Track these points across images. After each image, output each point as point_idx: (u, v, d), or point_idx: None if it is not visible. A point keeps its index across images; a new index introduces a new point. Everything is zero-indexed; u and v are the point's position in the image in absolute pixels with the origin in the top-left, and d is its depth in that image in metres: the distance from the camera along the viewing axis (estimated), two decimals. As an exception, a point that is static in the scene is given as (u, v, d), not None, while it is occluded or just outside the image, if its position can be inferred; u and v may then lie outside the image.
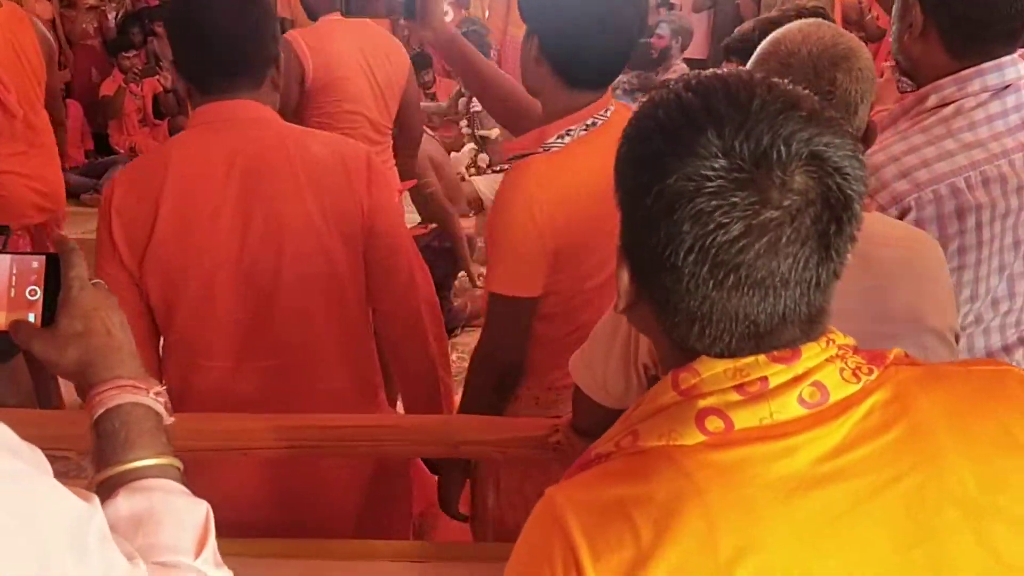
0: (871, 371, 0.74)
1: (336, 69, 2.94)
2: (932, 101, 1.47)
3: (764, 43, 1.27)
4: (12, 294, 0.89)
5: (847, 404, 0.72)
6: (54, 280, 0.90)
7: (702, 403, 0.72)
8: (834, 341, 0.75)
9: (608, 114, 1.60)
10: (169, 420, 0.87)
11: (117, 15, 6.87)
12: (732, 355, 0.73)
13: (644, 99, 0.80)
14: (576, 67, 1.56)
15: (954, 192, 1.41)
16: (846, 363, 0.74)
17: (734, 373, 0.72)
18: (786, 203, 0.69)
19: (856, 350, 0.76)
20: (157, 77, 6.61)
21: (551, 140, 1.56)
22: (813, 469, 0.70)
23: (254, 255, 1.56)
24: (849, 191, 0.70)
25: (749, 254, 0.69)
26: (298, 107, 2.93)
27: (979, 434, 0.73)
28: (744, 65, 2.07)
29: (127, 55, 6.52)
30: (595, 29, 1.52)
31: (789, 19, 1.67)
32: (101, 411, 0.84)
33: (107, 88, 6.52)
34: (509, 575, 0.77)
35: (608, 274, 1.50)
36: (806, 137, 0.69)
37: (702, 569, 0.67)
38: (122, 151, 6.49)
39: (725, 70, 0.78)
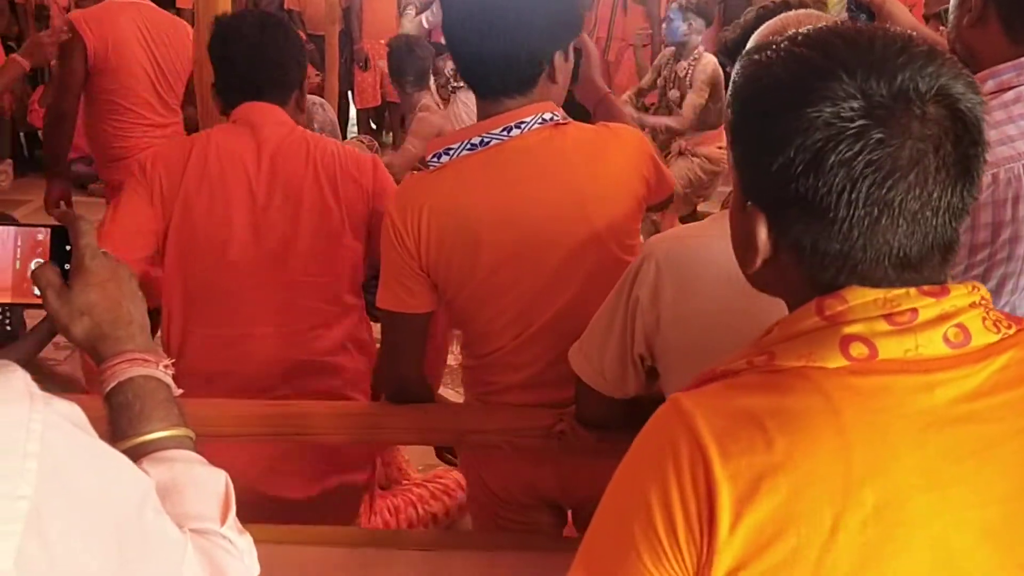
0: (1011, 326, 0.76)
1: (118, 48, 3.26)
2: (990, 86, 1.42)
3: (761, 31, 1.28)
4: (17, 266, 0.90)
5: (987, 352, 0.74)
6: (60, 252, 0.90)
7: (847, 329, 0.74)
8: (979, 288, 0.77)
9: (510, 135, 1.45)
10: (178, 392, 0.88)
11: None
12: (882, 285, 0.75)
13: (744, 63, 0.82)
14: (467, 74, 1.49)
15: (1013, 178, 1.37)
16: (988, 313, 0.76)
17: (884, 303, 0.74)
18: (929, 132, 0.71)
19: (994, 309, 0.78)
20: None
21: (429, 157, 1.50)
22: (949, 408, 0.72)
23: (271, 224, 1.87)
24: (977, 115, 0.73)
25: (901, 187, 0.71)
26: (85, 84, 3.29)
27: None
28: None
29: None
30: (475, 34, 1.42)
31: (779, 11, 1.68)
32: (114, 383, 0.85)
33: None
34: (622, 474, 0.78)
35: (509, 300, 1.50)
36: (932, 71, 0.72)
37: (831, 482, 0.70)
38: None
39: (824, 24, 0.81)
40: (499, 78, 1.45)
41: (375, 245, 1.79)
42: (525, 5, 1.42)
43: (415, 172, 1.53)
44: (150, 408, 0.84)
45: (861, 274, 0.75)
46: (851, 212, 0.72)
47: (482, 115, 1.49)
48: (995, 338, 0.75)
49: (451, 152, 1.47)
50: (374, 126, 7.93)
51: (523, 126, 1.45)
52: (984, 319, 0.75)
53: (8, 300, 0.90)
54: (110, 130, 3.41)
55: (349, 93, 7.32)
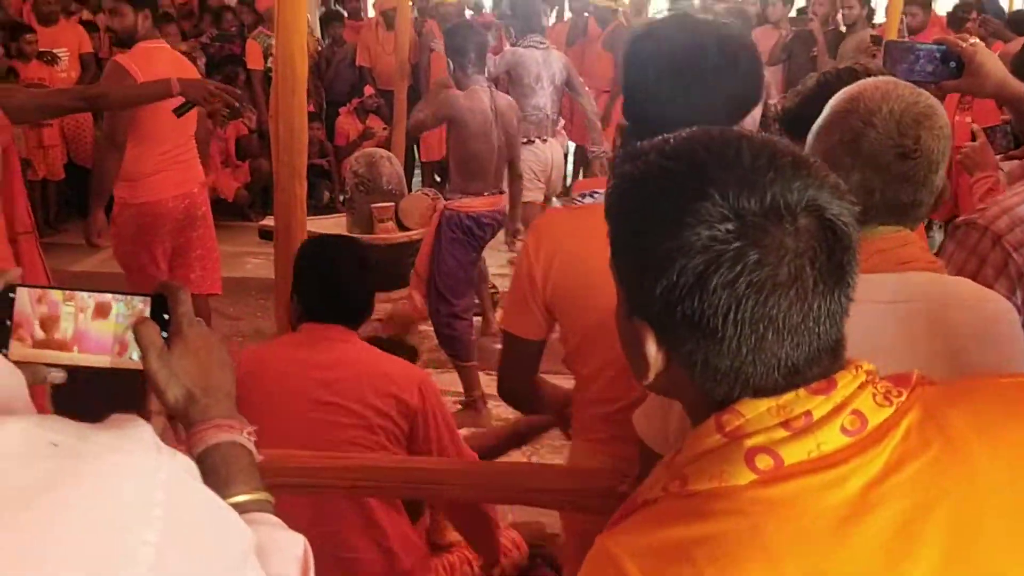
0: (900, 393, 0.77)
1: None
2: None
3: (838, 100, 1.27)
4: (118, 332, 0.93)
5: (885, 428, 0.75)
6: (159, 320, 0.93)
7: (749, 442, 0.74)
8: (861, 367, 0.77)
9: None
10: (259, 458, 0.92)
11: (206, 62, 7.16)
12: (772, 394, 0.76)
13: (617, 175, 0.83)
14: (646, 127, 1.50)
15: None
16: (876, 388, 0.77)
17: (777, 411, 0.75)
18: (803, 247, 0.73)
19: (880, 377, 0.78)
20: (241, 120, 6.84)
21: (576, 195, 1.55)
22: (864, 496, 0.72)
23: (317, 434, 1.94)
24: (846, 222, 0.74)
25: (783, 304, 0.73)
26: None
27: (1013, 440, 0.75)
28: (798, 141, 2.06)
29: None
30: (669, 97, 1.41)
31: (845, 78, 1.68)
32: (202, 448, 0.89)
33: (192, 131, 6.79)
34: None
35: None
36: (799, 184, 0.73)
37: None
38: (204, 191, 6.74)
39: (689, 131, 0.82)
40: (675, 122, 1.50)
41: (417, 449, 2.01)
42: (724, 71, 1.41)
43: (559, 207, 1.56)
44: (235, 472, 0.88)
45: (754, 387, 0.75)
46: (738, 331, 0.73)
47: None
48: (889, 411, 0.75)
49: (597, 195, 1.53)
50: (438, 179, 8.06)
51: None
52: (875, 395, 0.76)
53: (108, 365, 0.94)
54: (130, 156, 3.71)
55: (415, 146, 7.48)
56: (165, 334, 0.93)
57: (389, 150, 6.38)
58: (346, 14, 7.80)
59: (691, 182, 0.74)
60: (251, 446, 0.92)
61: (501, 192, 4.14)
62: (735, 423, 0.76)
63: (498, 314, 4.83)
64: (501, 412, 3.98)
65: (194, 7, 7.59)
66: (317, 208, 6.48)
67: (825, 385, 0.75)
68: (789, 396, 0.75)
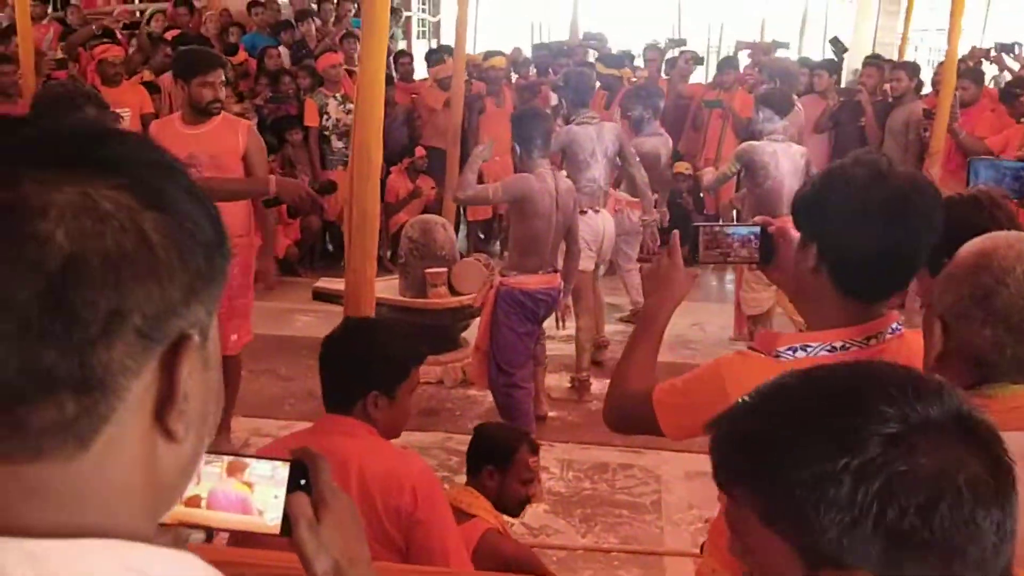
0: None
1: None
2: None
3: (970, 253, 1.27)
4: (254, 495, 0.94)
5: None
6: (295, 486, 0.94)
7: None
8: None
9: (874, 343, 1.49)
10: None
11: (259, 122, 7.33)
12: None
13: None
14: (859, 279, 1.49)
15: None
16: None
17: None
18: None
19: None
20: (298, 180, 6.98)
21: (783, 348, 1.50)
22: None
23: None
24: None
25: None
26: None
27: None
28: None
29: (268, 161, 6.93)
30: (885, 241, 1.43)
31: (970, 206, 1.68)
32: None
33: (247, 189, 6.94)
34: None
35: None
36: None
37: None
38: (256, 248, 6.87)
39: (825, 367, 0.82)
40: (893, 281, 1.51)
41: (413, 557, 1.95)
42: (929, 210, 1.45)
43: (764, 358, 1.53)
44: None
45: None
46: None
47: (847, 315, 1.50)
48: None
49: (809, 350, 1.49)
50: (482, 236, 8.17)
51: (880, 337, 1.50)
52: None
53: (246, 528, 0.95)
54: None
55: (462, 207, 7.59)
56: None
57: (439, 211, 6.50)
58: (397, 76, 7.96)
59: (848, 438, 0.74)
60: None
61: (556, 270, 4.21)
62: None
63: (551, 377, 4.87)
64: (552, 486, 4.00)
65: (250, 68, 7.79)
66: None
67: None
68: None
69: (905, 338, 1.53)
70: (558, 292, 4.22)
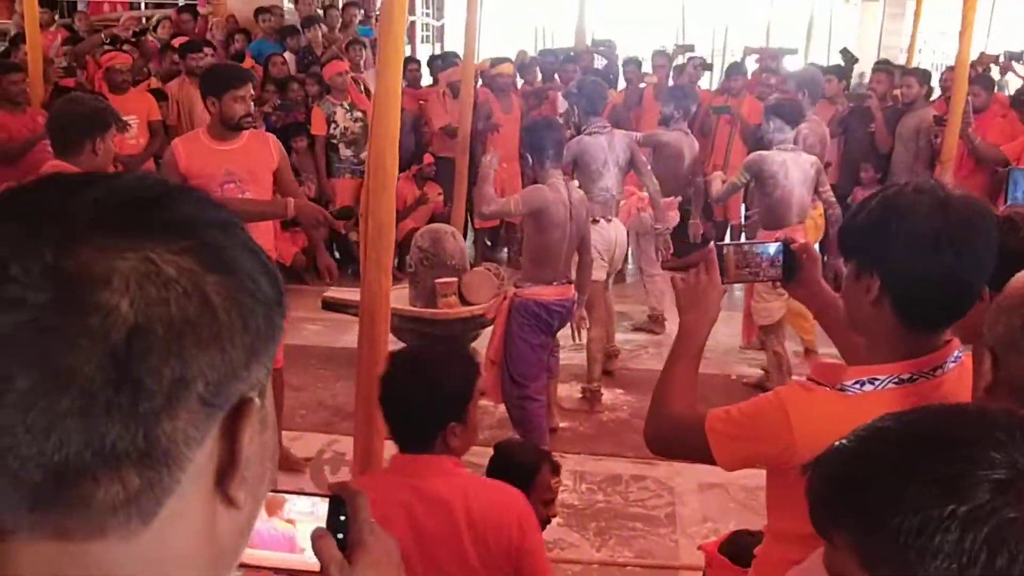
0: None
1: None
2: None
3: (1021, 284, 1.26)
4: (296, 531, 0.93)
5: None
6: (335, 520, 0.93)
7: None
8: None
9: (939, 373, 1.47)
10: None
11: (265, 130, 7.32)
12: None
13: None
14: (925, 311, 1.47)
15: None
16: None
17: None
18: None
19: None
20: (303, 188, 6.96)
21: (850, 382, 1.48)
22: None
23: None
24: None
25: None
26: None
27: None
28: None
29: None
30: (950, 272, 1.41)
31: (1007, 230, 1.66)
32: None
33: (254, 196, 6.92)
34: None
35: None
36: None
37: None
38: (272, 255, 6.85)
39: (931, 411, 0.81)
40: (957, 309, 1.46)
41: None
42: (992, 235, 1.43)
43: (830, 392, 1.51)
44: None
45: None
46: None
47: (912, 347, 1.48)
48: None
49: (876, 383, 1.47)
50: (489, 243, 8.14)
51: (945, 367, 1.48)
52: None
53: (286, 566, 0.93)
54: None
55: (468, 213, 7.57)
56: (341, 535, 0.92)
57: (447, 219, 6.47)
58: (405, 83, 7.94)
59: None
60: None
61: (570, 282, 4.18)
62: None
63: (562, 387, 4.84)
64: (566, 498, 3.97)
65: (257, 75, 7.77)
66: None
67: None
68: None
69: (964, 364, 1.51)
70: (572, 303, 4.19)
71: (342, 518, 0.93)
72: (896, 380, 1.47)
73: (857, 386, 1.47)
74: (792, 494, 1.57)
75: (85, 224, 0.52)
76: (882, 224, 1.46)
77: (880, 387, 1.46)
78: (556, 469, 2.79)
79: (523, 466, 2.70)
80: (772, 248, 1.76)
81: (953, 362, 1.50)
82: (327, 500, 0.94)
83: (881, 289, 1.47)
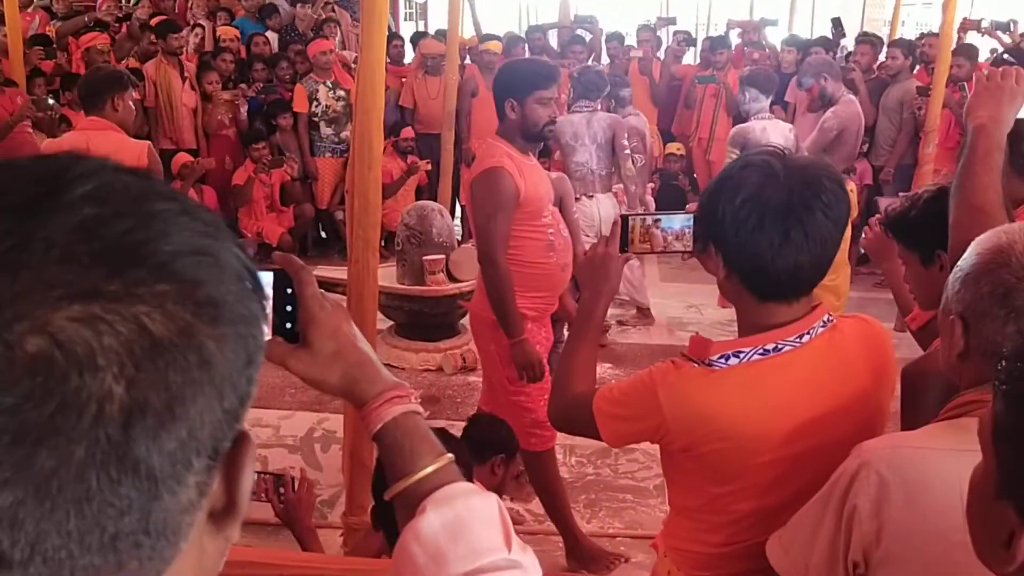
0: None
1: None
2: None
3: (985, 249, 1.26)
4: None
5: None
6: (281, 295, 0.90)
7: None
8: None
9: (806, 339, 1.48)
10: (426, 414, 0.94)
11: (250, 108, 7.26)
12: None
13: (1019, 359, 0.81)
14: (773, 286, 1.47)
15: None
16: None
17: None
18: None
19: None
20: (284, 167, 6.93)
21: (715, 357, 1.47)
22: None
23: None
24: None
25: None
26: None
27: None
28: (905, 243, 2.03)
29: (257, 146, 6.87)
30: (790, 248, 1.42)
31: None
32: (379, 426, 0.91)
33: (238, 177, 6.87)
34: None
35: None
36: None
37: None
38: (250, 235, 6.81)
39: None
40: (805, 284, 1.47)
41: None
42: (832, 200, 1.42)
43: (696, 368, 1.49)
44: (417, 444, 0.90)
45: None
46: None
47: (773, 317, 1.48)
48: None
49: (742, 355, 1.48)
50: (476, 220, 8.12)
51: (812, 332, 1.49)
52: None
53: None
54: None
55: (455, 191, 7.54)
56: (289, 307, 0.90)
57: (433, 195, 6.46)
58: (389, 59, 7.89)
59: None
60: (420, 409, 0.94)
61: None
62: None
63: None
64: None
65: (241, 55, 7.70)
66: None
67: None
68: None
69: (839, 327, 1.52)
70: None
71: (289, 291, 0.91)
72: (761, 351, 1.47)
73: (723, 360, 1.47)
74: (678, 471, 1.58)
75: (49, 277, 0.42)
76: (712, 204, 1.46)
77: (745, 359, 1.47)
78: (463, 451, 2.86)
79: (508, 434, 2.71)
80: (678, 221, 1.68)
81: (822, 326, 1.50)
82: (271, 273, 0.90)
83: (726, 266, 1.48)
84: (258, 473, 2.17)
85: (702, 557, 1.63)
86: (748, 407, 1.47)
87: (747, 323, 1.53)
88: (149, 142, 4.02)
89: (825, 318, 1.51)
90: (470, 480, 2.68)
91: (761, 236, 1.41)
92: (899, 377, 1.65)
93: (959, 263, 1.29)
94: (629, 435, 1.61)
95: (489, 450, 2.70)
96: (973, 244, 1.28)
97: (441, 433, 2.74)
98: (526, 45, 8.20)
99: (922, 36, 7.13)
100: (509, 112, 3.05)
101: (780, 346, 1.48)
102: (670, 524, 1.72)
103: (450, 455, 0.92)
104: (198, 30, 7.43)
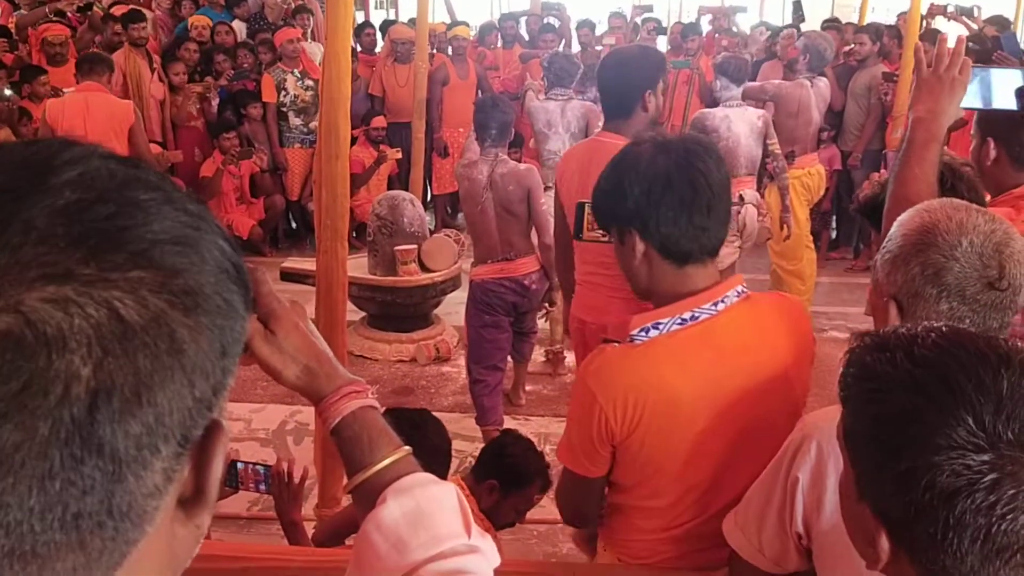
0: None
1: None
2: None
3: (911, 230, 1.27)
4: None
5: None
6: None
7: None
8: None
9: (721, 307, 1.52)
10: (381, 409, 0.96)
11: (222, 101, 7.16)
12: None
13: (857, 369, 0.82)
14: (686, 242, 1.52)
15: None
16: None
17: None
18: None
19: None
20: (253, 159, 6.85)
21: (635, 331, 1.51)
22: None
23: None
24: None
25: None
26: None
27: None
28: (877, 228, 2.06)
29: (227, 136, 6.77)
30: (691, 202, 1.50)
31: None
32: (338, 420, 0.92)
33: (206, 169, 6.75)
34: None
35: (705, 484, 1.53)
36: None
37: None
38: (219, 228, 6.73)
39: (939, 334, 0.81)
40: (714, 239, 1.54)
41: None
42: (722, 182, 1.54)
43: (617, 347, 1.53)
44: (375, 437, 0.92)
45: None
46: (982, 553, 0.72)
47: (688, 284, 1.53)
48: None
49: (660, 327, 1.50)
50: (449, 210, 8.09)
51: (727, 300, 1.52)
52: None
53: None
54: None
55: (427, 180, 7.51)
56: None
57: (405, 185, 6.42)
58: (359, 48, 7.82)
59: (944, 404, 0.74)
60: (376, 403, 0.95)
61: (507, 259, 3.93)
62: None
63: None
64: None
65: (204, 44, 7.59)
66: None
67: None
68: None
69: (752, 299, 1.57)
70: (520, 283, 3.96)
71: None
72: (679, 321, 1.51)
73: (643, 334, 1.50)
74: (616, 471, 1.57)
75: (25, 258, 0.43)
76: (618, 185, 1.54)
77: (665, 330, 1.50)
78: (545, 489, 2.62)
79: (516, 472, 2.55)
80: None
81: (736, 296, 1.54)
82: None
83: (644, 242, 1.53)
84: (246, 464, 2.15)
85: (641, 544, 1.66)
86: (673, 375, 1.49)
87: (663, 293, 1.56)
88: (132, 102, 3.99)
89: (739, 288, 1.55)
90: (449, 462, 2.62)
91: (670, 196, 1.50)
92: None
93: (885, 244, 1.31)
94: (592, 453, 1.57)
95: (491, 472, 2.54)
96: (896, 224, 1.30)
97: (419, 413, 2.74)
98: (499, 33, 8.17)
99: (901, 16, 7.17)
100: (648, 103, 2.76)
101: (697, 314, 1.51)
102: (608, 521, 1.72)
103: (407, 448, 0.93)
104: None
